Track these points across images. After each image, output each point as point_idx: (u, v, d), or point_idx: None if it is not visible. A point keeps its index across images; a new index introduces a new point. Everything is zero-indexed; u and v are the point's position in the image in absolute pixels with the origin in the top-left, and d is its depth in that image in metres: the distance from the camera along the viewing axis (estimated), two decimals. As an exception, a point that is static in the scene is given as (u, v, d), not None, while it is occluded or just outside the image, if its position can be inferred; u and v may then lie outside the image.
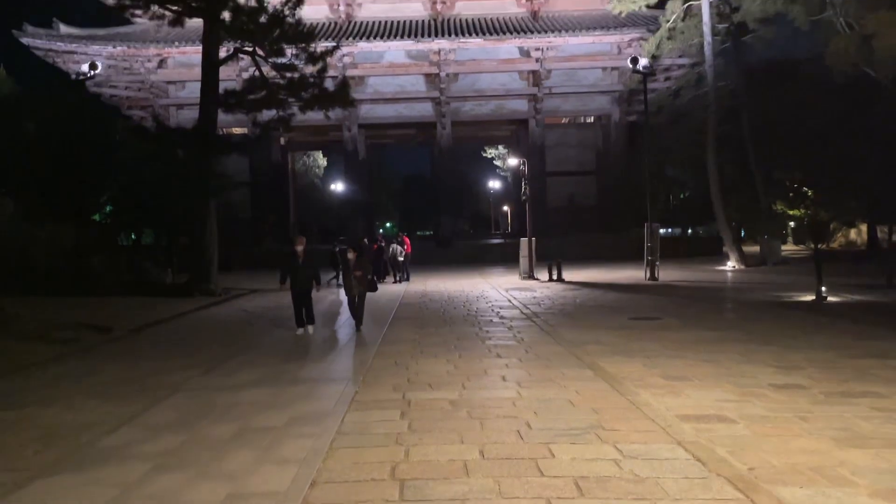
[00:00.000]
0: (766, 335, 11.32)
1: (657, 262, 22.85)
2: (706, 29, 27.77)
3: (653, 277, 22.54)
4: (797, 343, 10.54)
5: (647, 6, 31.37)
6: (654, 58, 30.07)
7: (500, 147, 62.23)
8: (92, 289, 20.20)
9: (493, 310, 15.87)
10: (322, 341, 12.34)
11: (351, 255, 13.23)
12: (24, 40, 33.00)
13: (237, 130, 35.12)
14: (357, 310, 13.30)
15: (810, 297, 16.24)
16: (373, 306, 17.35)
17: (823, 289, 15.98)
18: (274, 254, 25.01)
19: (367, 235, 33.29)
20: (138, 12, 21.83)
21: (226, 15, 21.23)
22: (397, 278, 24.81)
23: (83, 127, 22.86)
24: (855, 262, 26.61)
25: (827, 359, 9.31)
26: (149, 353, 11.53)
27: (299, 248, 12.79)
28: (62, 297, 18.74)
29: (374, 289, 14.04)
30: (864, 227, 34.52)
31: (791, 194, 31.65)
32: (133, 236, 35.22)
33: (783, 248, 30.82)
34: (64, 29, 34.18)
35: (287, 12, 20.73)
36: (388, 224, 79.36)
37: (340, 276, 25.15)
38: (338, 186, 50.55)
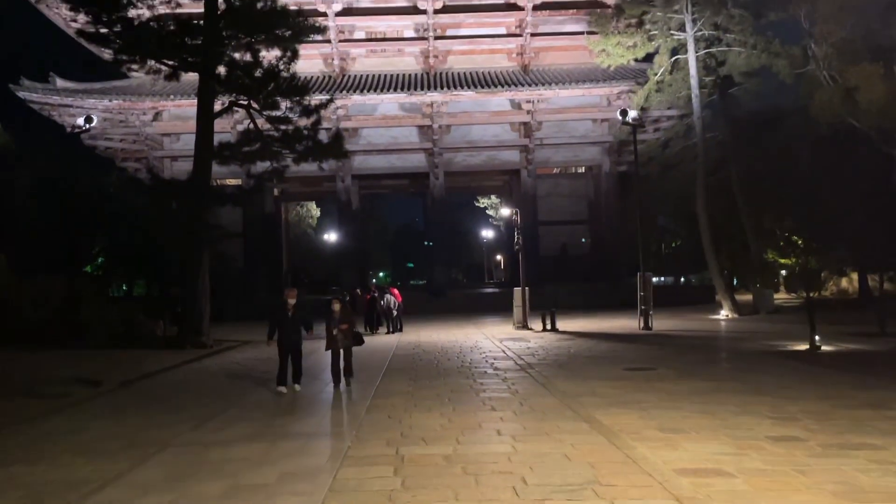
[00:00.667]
0: (762, 386, 11.27)
1: (651, 312, 22.84)
2: (693, 82, 28.35)
3: (647, 327, 22.50)
4: (793, 394, 10.49)
5: (636, 60, 32.03)
6: (643, 109, 30.58)
7: (493, 197, 62.68)
8: (82, 341, 20.02)
9: (487, 361, 15.77)
10: (314, 394, 12.20)
11: (336, 307, 12.41)
12: (21, 94, 33.31)
13: (231, 181, 35.32)
14: (343, 366, 12.42)
15: (804, 347, 16.21)
16: (365, 358, 17.21)
17: (817, 338, 15.98)
18: (266, 304, 24.87)
19: (359, 285, 33.26)
20: (135, 67, 22.10)
21: (221, 69, 21.59)
22: (390, 329, 24.67)
23: (77, 180, 22.96)
24: (847, 311, 26.66)
25: (823, 410, 9.26)
26: (138, 408, 11.37)
27: (290, 301, 12.16)
28: (52, 350, 18.55)
29: (361, 342, 13.09)
30: (854, 276, 34.70)
31: (781, 243, 31.90)
32: (125, 287, 35.10)
33: (776, 296, 30.86)
34: (61, 83, 34.57)
35: (282, 67, 21.04)
36: (381, 274, 79.35)
37: None
38: (331, 236, 50.74)
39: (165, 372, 15.71)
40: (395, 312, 24.84)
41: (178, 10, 21.89)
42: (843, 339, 17.58)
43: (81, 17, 23.77)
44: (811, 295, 17.72)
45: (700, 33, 28.45)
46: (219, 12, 21.45)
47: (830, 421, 8.59)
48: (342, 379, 12.40)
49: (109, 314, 23.43)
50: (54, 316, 21.19)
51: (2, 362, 13.74)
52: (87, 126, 23.63)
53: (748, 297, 31.62)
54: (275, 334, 12.20)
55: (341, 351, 12.37)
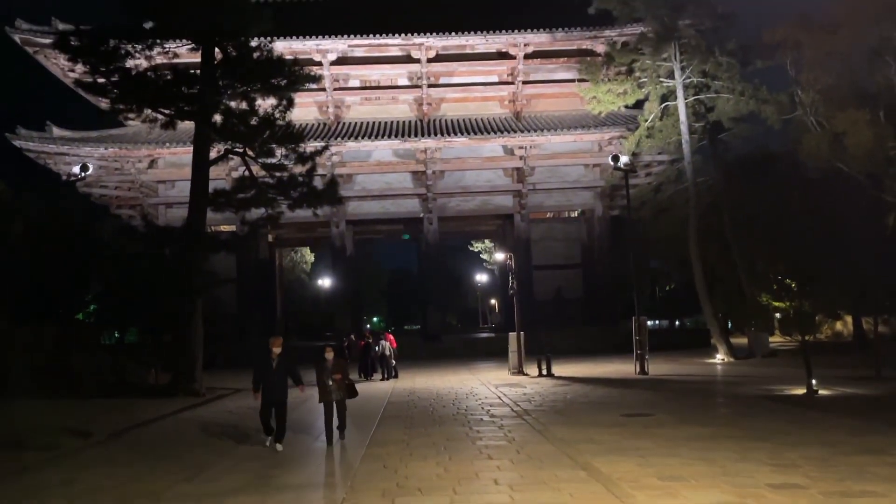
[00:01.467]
0: (760, 431, 11.18)
1: (646, 356, 22.76)
2: (683, 128, 28.78)
3: (643, 371, 22.39)
4: (792, 439, 10.41)
5: (626, 106, 32.55)
6: (634, 155, 30.94)
7: (487, 241, 62.92)
8: (73, 390, 19.76)
9: (483, 407, 15.62)
10: (308, 444, 12.03)
11: (328, 356, 11.65)
12: (17, 143, 33.48)
13: (225, 228, 35.36)
14: (337, 421, 11.55)
15: (801, 391, 16.15)
16: (360, 405, 17.02)
17: (814, 382, 15.93)
18: (259, 351, 24.67)
19: (354, 331, 33.08)
20: (132, 115, 22.32)
21: (217, 117, 21.80)
22: (385, 375, 24.44)
23: (70, 228, 22.96)
24: (842, 354, 26.63)
25: (822, 456, 9.18)
26: (129, 459, 11.18)
27: (275, 351, 11.19)
28: (43, 399, 18.28)
29: (354, 394, 11.94)
30: (849, 319, 34.72)
31: (775, 286, 31.92)
32: (117, 334, 34.79)
33: (771, 339, 30.81)
34: (57, 131, 34.79)
35: (278, 115, 21.26)
36: (375, 319, 78.99)
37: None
38: (325, 281, 50.63)
39: (157, 421, 15.49)
40: (393, 362, 24.64)
41: (176, 60, 22.27)
42: (840, 383, 17.52)
43: (79, 68, 24.14)
44: (806, 338, 17.73)
45: (689, 80, 28.99)
46: (215, 62, 21.79)
47: (831, 467, 8.51)
48: (335, 434, 11.61)
49: (101, 362, 23.21)
50: (45, 364, 20.95)
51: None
52: (83, 174, 23.75)
53: (743, 340, 31.59)
54: (259, 387, 11.23)
55: (334, 404, 11.56)
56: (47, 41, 31.94)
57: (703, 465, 8.86)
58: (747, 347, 29.32)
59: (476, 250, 69.87)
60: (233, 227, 33.31)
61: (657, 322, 44.72)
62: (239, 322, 36.34)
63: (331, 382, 11.51)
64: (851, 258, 25.19)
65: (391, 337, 25.83)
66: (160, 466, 10.25)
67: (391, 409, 16.11)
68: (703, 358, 28.13)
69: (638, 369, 22.56)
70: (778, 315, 35.55)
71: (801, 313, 19.12)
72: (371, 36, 36.34)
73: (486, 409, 15.25)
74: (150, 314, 24.64)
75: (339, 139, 35.71)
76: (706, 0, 29.27)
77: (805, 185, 27.70)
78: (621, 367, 24.25)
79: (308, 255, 60.94)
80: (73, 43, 20.96)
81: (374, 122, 38.30)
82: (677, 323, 47.31)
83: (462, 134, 36.29)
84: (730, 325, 37.09)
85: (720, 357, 27.61)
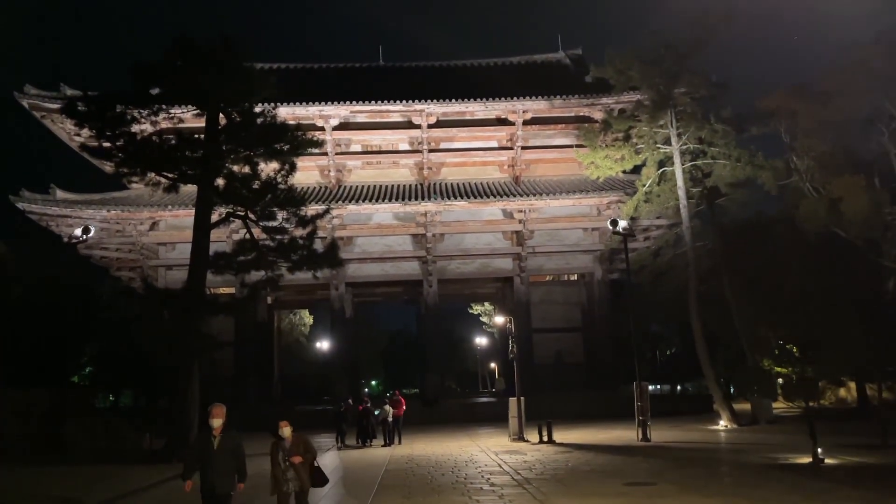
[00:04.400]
0: (766, 502, 10.91)
1: (648, 422, 22.41)
2: (681, 193, 29.04)
3: (645, 438, 22.01)
4: (799, 511, 10.15)
5: (624, 171, 32.91)
6: (632, 219, 31.11)
7: (487, 304, 62.73)
8: (65, 456, 19.39)
9: (482, 476, 15.30)
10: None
11: (285, 431, 8.88)
12: (21, 205, 33.71)
13: (224, 290, 35.33)
14: None
15: (807, 459, 15.82)
16: (357, 473, 16.69)
17: (819, 450, 15.63)
18: (260, 414, 24.30)
19: (351, 395, 32.64)
20: (135, 179, 22.57)
21: (220, 181, 22.07)
22: (386, 441, 23.98)
23: (69, 289, 22.97)
24: (847, 421, 26.25)
25: (832, 529, 8.93)
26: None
27: (216, 423, 8.41)
28: (33, 466, 17.92)
29: (322, 481, 9.24)
30: (852, 385, 34.36)
31: (777, 351, 31.72)
32: (111, 398, 34.37)
33: (774, 405, 30.41)
34: (60, 194, 35.10)
35: (280, 179, 21.54)
36: (373, 382, 78.11)
37: (342, 437, 24.32)
38: (323, 344, 50.29)
39: (151, 489, 15.14)
40: (392, 423, 24.24)
41: (180, 125, 22.63)
42: (846, 452, 17.18)
43: (85, 132, 24.52)
44: (810, 405, 17.45)
45: (685, 147, 29.42)
46: (219, 127, 22.18)
47: (841, 542, 8.27)
48: None
49: (94, 427, 22.87)
50: (38, 429, 20.64)
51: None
52: (85, 237, 23.87)
53: (746, 405, 31.14)
54: (191, 474, 8.45)
55: (292, 498, 8.79)
56: (55, 106, 32.53)
57: (710, 538, 8.62)
58: (750, 413, 28.89)
59: (476, 313, 69.58)
60: (232, 290, 33.38)
61: (658, 387, 44.18)
62: (236, 385, 35.90)
63: (285, 466, 8.77)
64: (853, 324, 25.10)
65: (403, 399, 25.49)
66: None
67: (389, 476, 15.77)
68: (706, 424, 27.69)
69: (640, 436, 22.18)
70: (781, 380, 35.36)
71: (804, 379, 18.91)
72: (373, 102, 37.04)
73: (486, 478, 14.94)
74: (146, 377, 24.46)
75: (340, 202, 36.00)
76: (701, 69, 29.98)
77: (804, 250, 27.77)
78: (623, 434, 23.84)
79: (307, 318, 60.67)
80: (80, 108, 21.40)
81: (375, 186, 38.72)
82: (679, 388, 46.76)
83: (462, 198, 36.63)
84: (732, 389, 36.68)
85: (723, 423, 27.18)
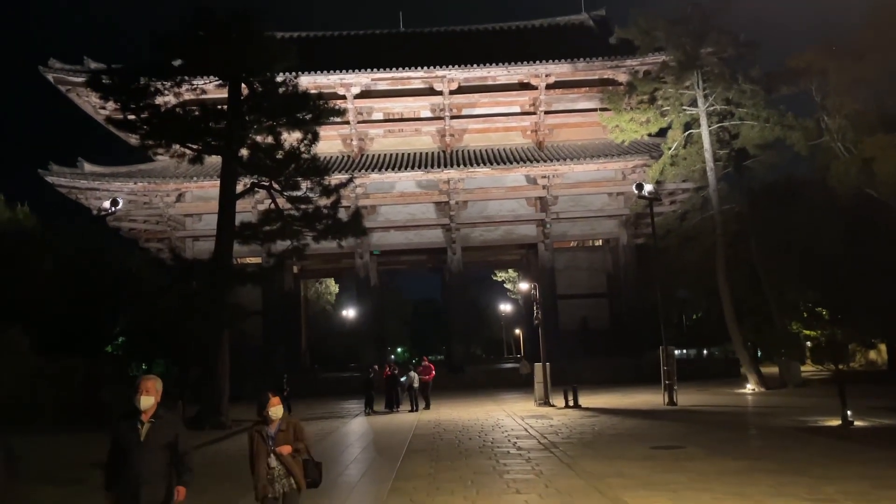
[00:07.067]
0: (796, 465, 10.88)
1: (675, 386, 22.38)
2: (707, 155, 28.58)
3: (671, 402, 22.00)
4: (829, 473, 10.12)
5: (649, 135, 32.43)
6: (658, 183, 30.75)
7: (511, 271, 62.73)
8: (101, 423, 19.88)
9: (509, 440, 15.43)
10: (335, 477, 11.94)
11: (272, 410, 6.42)
12: (49, 179, 34.19)
13: (251, 260, 35.69)
14: None
15: (836, 422, 15.73)
16: (385, 437, 16.94)
17: (849, 413, 15.52)
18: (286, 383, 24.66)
19: (378, 362, 32.98)
20: (160, 151, 22.78)
21: (244, 152, 22.17)
22: (413, 407, 24.28)
23: (100, 261, 23.34)
24: (877, 383, 25.99)
25: (862, 490, 8.90)
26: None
27: (143, 405, 5.72)
28: (71, 433, 18.41)
29: (317, 480, 6.62)
30: (883, 347, 33.92)
31: (806, 314, 31.38)
32: (144, 367, 35.10)
33: (802, 368, 30.15)
34: (88, 167, 35.51)
35: (303, 148, 21.58)
36: (399, 350, 78.81)
37: (371, 404, 24.57)
38: (349, 312, 50.72)
39: (183, 454, 15.48)
40: (417, 389, 24.51)
41: (203, 97, 22.71)
42: (876, 414, 17.04)
43: (110, 105, 24.72)
44: (840, 367, 17.24)
45: (712, 108, 28.87)
46: (242, 97, 22.20)
47: (871, 502, 8.24)
48: None
49: (128, 395, 23.35)
50: (74, 397, 21.17)
51: (22, 446, 13.61)
52: (113, 209, 24.21)
53: (774, 369, 30.96)
54: (112, 483, 5.72)
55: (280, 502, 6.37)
56: (79, 80, 32.75)
57: (738, 500, 8.64)
58: (778, 377, 28.72)
59: (500, 280, 69.70)
60: (259, 260, 33.70)
61: (685, 351, 43.96)
62: (265, 354, 36.43)
63: (273, 464, 6.36)
64: (884, 285, 24.71)
65: (432, 366, 25.80)
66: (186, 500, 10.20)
67: (417, 441, 15.97)
68: (733, 388, 27.59)
69: (666, 400, 22.18)
70: (809, 344, 35.06)
71: (833, 342, 18.68)
72: (394, 69, 36.78)
73: (513, 442, 15.07)
74: (177, 347, 24.90)
75: (362, 171, 36.01)
76: (728, 28, 29.25)
77: (834, 212, 27.26)
78: (649, 398, 23.86)
79: (332, 287, 61.21)
80: (104, 81, 21.53)
81: (397, 154, 38.63)
82: (705, 352, 46.53)
83: (485, 164, 36.43)
84: (759, 353, 36.44)
85: (750, 387, 27.06)
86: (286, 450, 6.30)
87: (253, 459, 6.39)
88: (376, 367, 27.93)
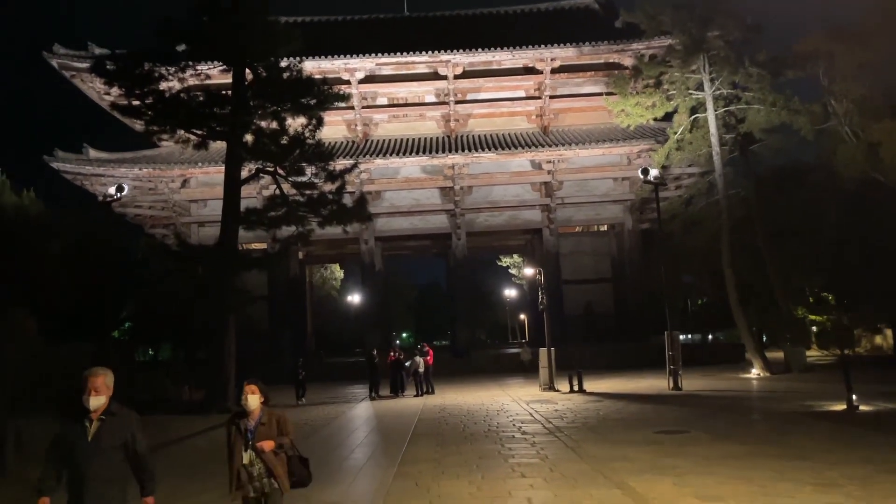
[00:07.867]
0: (800, 449, 10.92)
1: (680, 371, 22.41)
2: (713, 140, 28.45)
3: (676, 387, 22.04)
4: (833, 457, 10.15)
5: (655, 119, 32.28)
6: (663, 168, 30.64)
7: (516, 256, 62.75)
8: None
9: (514, 424, 15.51)
10: (340, 461, 12.04)
11: (251, 400, 5.85)
12: (55, 165, 34.24)
13: (257, 246, 35.76)
14: None
15: (841, 407, 15.75)
16: (391, 422, 17.03)
17: (854, 397, 15.53)
18: (291, 368, 24.79)
19: (382, 347, 33.03)
20: (165, 136, 22.77)
21: (248, 137, 22.15)
22: (418, 392, 24.38)
23: (106, 247, 23.41)
24: (883, 368, 25.98)
25: (866, 474, 8.93)
26: (163, 476, 11.19)
27: (93, 404, 4.98)
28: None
29: (305, 479, 5.98)
30: (889, 333, 33.89)
31: (811, 299, 31.34)
32: (150, 352, 35.30)
33: (808, 353, 30.14)
34: (93, 153, 35.53)
35: (307, 134, 21.56)
36: (404, 335, 79.09)
37: (376, 388, 24.60)
38: (354, 298, 50.85)
39: (189, 439, 15.64)
40: (423, 374, 24.59)
41: (208, 82, 22.67)
42: (882, 399, 17.05)
43: (115, 91, 24.69)
44: (845, 352, 17.25)
45: (718, 92, 28.70)
46: (246, 82, 22.16)
47: (875, 486, 8.27)
48: None
49: (135, 380, 23.52)
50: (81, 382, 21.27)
51: (28, 430, 13.74)
52: (119, 195, 24.23)
53: (779, 354, 30.97)
54: (52, 483, 5.01)
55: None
56: (84, 65, 32.72)
57: (742, 484, 8.67)
58: (783, 362, 28.72)
59: (505, 265, 69.77)
60: (264, 245, 33.78)
61: (689, 336, 44.03)
62: (271, 339, 36.60)
63: (249, 462, 5.69)
64: (890, 270, 24.65)
65: (431, 351, 25.83)
66: (193, 484, 10.32)
67: (422, 426, 16.06)
68: (738, 373, 27.63)
69: (671, 385, 22.22)
70: (815, 329, 35.03)
71: (839, 327, 18.67)
72: (398, 54, 36.62)
73: (518, 426, 15.14)
74: (184, 332, 25.03)
75: (367, 156, 35.95)
76: (734, 12, 29.01)
77: (841, 197, 27.14)
78: (654, 383, 23.92)
79: (337, 272, 61.36)
80: (108, 67, 21.52)
81: (401, 139, 38.56)
82: (710, 337, 46.60)
83: (489, 149, 36.34)
84: (764, 338, 36.45)
85: (755, 372, 27.08)
86: (268, 445, 5.59)
87: (230, 454, 5.69)
88: (375, 351, 27.94)
